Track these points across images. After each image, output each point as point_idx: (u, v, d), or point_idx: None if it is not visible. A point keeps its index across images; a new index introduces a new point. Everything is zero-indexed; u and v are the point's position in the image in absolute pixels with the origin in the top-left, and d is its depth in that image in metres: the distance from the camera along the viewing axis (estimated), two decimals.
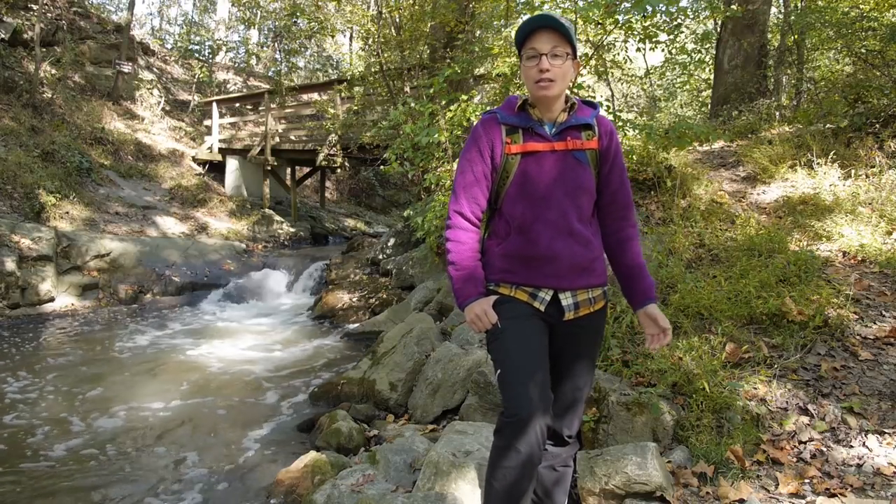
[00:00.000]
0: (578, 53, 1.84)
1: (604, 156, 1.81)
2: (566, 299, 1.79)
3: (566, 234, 1.75)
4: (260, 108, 14.04)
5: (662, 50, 8.18)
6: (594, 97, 6.22)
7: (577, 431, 1.95)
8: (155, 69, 16.73)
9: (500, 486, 1.72)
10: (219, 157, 13.40)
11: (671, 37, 6.75)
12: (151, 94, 14.99)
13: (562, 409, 1.89)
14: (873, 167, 4.92)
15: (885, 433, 2.48)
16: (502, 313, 1.78)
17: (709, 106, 10.38)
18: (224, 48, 19.98)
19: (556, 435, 1.92)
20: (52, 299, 7.31)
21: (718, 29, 10.15)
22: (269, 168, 12.37)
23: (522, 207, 1.77)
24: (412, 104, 5.87)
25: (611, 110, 7.25)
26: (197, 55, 19.64)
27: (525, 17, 6.52)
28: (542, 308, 1.79)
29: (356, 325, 6.79)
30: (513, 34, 5.56)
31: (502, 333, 1.77)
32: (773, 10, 10.93)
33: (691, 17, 10.48)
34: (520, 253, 1.79)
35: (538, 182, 1.76)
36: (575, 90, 5.12)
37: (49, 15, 13.22)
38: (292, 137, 12.91)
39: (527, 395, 1.68)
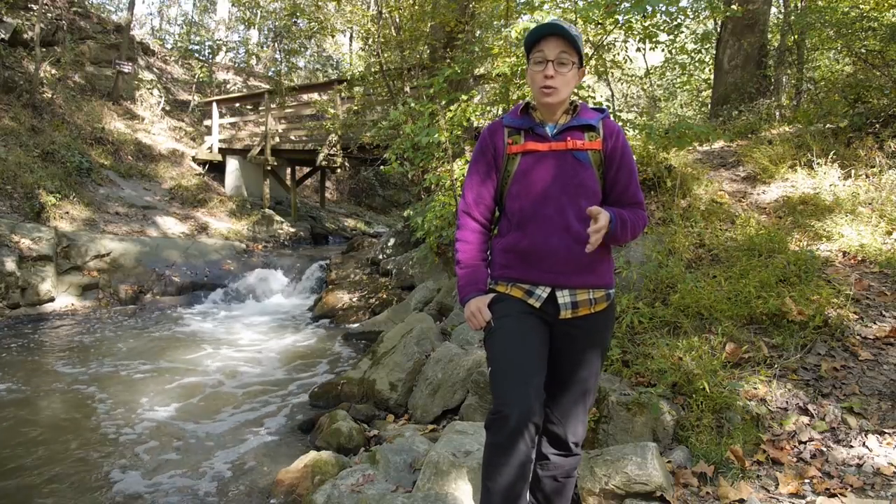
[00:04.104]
0: (584, 63, 1.85)
1: (609, 157, 1.83)
2: (563, 297, 1.79)
3: (563, 231, 1.77)
4: (260, 108, 14.03)
5: (662, 50, 8.19)
6: (594, 97, 6.22)
7: (582, 441, 1.93)
8: (155, 69, 16.72)
9: (491, 483, 1.72)
10: (219, 157, 13.40)
11: (671, 37, 6.75)
12: (151, 94, 14.98)
13: (563, 413, 1.88)
14: (873, 167, 4.92)
15: (885, 433, 2.48)
16: (496, 311, 1.82)
17: (709, 106, 10.37)
18: (224, 48, 19.97)
19: (559, 440, 1.90)
20: (52, 299, 7.31)
21: (718, 29, 10.15)
22: (269, 168, 12.36)
23: (521, 204, 1.82)
24: (412, 104, 5.86)
25: (611, 110, 7.25)
26: (197, 55, 19.63)
27: (525, 18, 6.53)
28: (538, 305, 1.80)
29: (356, 325, 6.79)
30: (513, 34, 5.57)
31: (494, 331, 1.81)
32: (773, 10, 10.92)
33: (691, 17, 10.49)
34: (517, 247, 1.82)
35: (537, 180, 1.80)
36: (575, 90, 5.11)
37: (49, 15, 13.22)
38: (292, 137, 12.91)
39: (511, 391, 1.69)
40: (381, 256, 8.36)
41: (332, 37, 17.08)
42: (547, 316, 1.81)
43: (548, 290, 1.79)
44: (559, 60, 1.76)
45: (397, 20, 8.70)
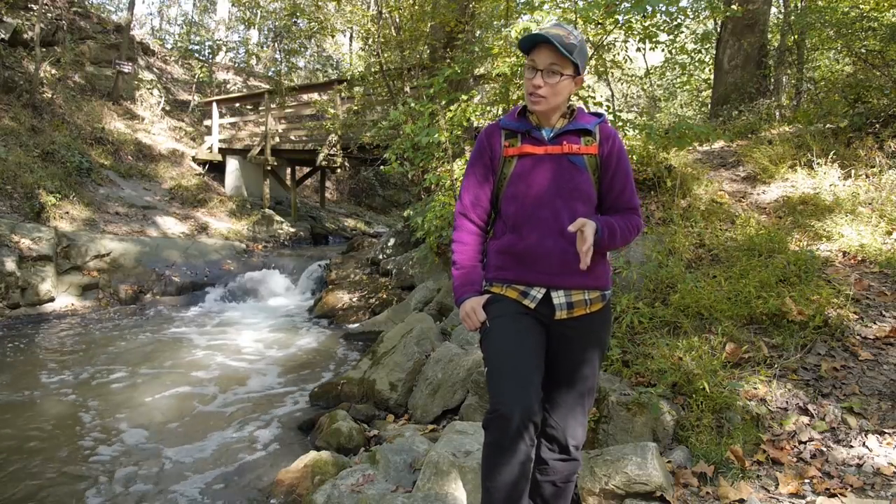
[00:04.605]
0: (581, 72, 1.80)
1: (605, 162, 1.84)
2: (558, 298, 1.79)
3: (557, 234, 1.77)
4: (260, 108, 14.03)
5: (662, 50, 8.18)
6: (594, 97, 6.22)
7: (581, 444, 1.92)
8: (155, 69, 16.72)
9: (492, 483, 1.71)
10: (219, 157, 13.40)
11: (671, 37, 6.75)
12: (151, 94, 14.98)
13: (562, 415, 1.87)
14: (873, 167, 4.92)
15: (885, 433, 2.48)
16: (491, 312, 1.82)
17: (709, 106, 10.38)
18: (224, 48, 19.97)
19: (558, 444, 1.89)
20: (52, 299, 7.31)
21: (718, 29, 10.15)
22: (269, 168, 12.37)
23: (517, 207, 1.82)
24: (412, 104, 5.87)
25: (611, 110, 7.25)
26: (197, 55, 19.63)
27: (525, 18, 6.53)
28: (533, 306, 1.80)
29: (356, 325, 6.79)
30: (513, 34, 5.57)
31: (490, 331, 1.80)
32: (773, 10, 10.93)
33: (691, 17, 10.49)
34: (512, 249, 1.82)
35: (532, 183, 1.80)
36: (575, 92, 5.11)
37: (49, 15, 13.21)
38: (292, 137, 12.91)
39: (508, 391, 1.69)
40: (381, 256, 8.36)
41: (332, 37, 17.07)
42: (542, 317, 1.80)
43: (543, 290, 1.79)
44: (549, 70, 1.74)
45: (397, 20, 8.70)
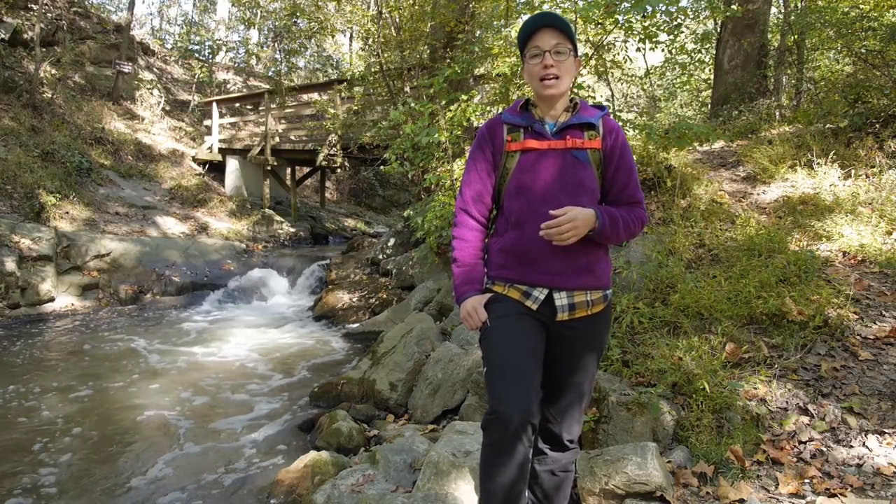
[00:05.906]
0: (578, 53, 1.85)
1: (608, 156, 1.82)
2: (560, 299, 1.77)
3: None
4: (260, 108, 14.03)
5: (662, 50, 8.18)
6: (594, 97, 6.22)
7: (578, 437, 1.94)
8: (155, 69, 16.72)
9: (490, 484, 1.71)
10: (219, 157, 13.40)
11: (671, 37, 6.75)
12: (151, 94, 14.98)
13: (559, 412, 1.88)
14: (873, 167, 4.92)
15: (885, 433, 2.48)
16: (493, 311, 1.80)
17: (709, 106, 10.38)
18: (224, 48, 19.97)
19: (555, 439, 1.90)
20: (52, 299, 7.31)
21: (718, 29, 10.15)
22: (269, 168, 12.37)
23: (520, 203, 1.79)
24: (412, 104, 5.87)
25: (611, 110, 7.24)
26: (197, 55, 19.62)
27: (525, 17, 6.53)
28: (535, 307, 1.78)
29: (356, 325, 6.79)
30: (513, 34, 5.57)
31: (491, 331, 1.79)
32: (773, 10, 10.93)
33: (691, 17, 10.49)
34: (515, 247, 1.80)
35: (536, 179, 1.78)
36: (575, 90, 5.12)
37: (49, 15, 13.22)
38: (292, 137, 12.91)
39: (507, 391, 1.68)
40: (381, 256, 8.36)
41: (332, 37, 17.08)
42: (544, 318, 1.79)
43: (545, 291, 1.78)
44: (556, 50, 1.75)
45: (397, 20, 8.70)
